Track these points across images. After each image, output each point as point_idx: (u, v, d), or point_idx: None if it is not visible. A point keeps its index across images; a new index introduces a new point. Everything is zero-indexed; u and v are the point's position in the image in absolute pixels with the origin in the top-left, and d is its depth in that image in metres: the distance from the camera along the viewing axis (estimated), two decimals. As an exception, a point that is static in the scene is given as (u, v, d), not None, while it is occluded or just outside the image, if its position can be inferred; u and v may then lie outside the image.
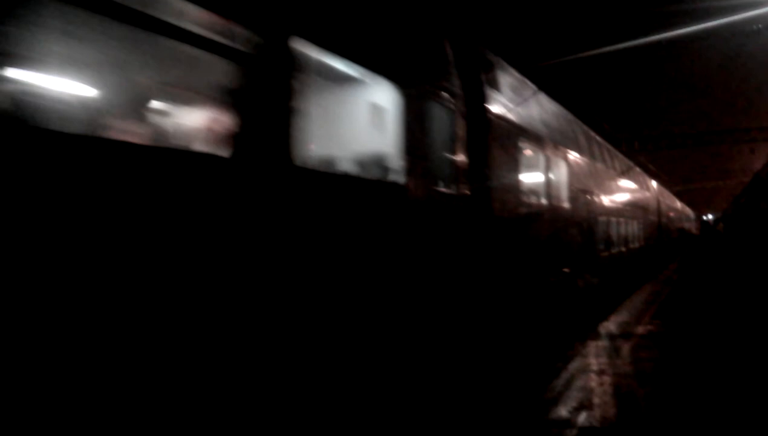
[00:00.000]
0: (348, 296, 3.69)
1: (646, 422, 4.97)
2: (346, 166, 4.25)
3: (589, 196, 10.00)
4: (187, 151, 3.15)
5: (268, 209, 3.09)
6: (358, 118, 4.93)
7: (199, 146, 3.31)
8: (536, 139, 7.49)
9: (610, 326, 9.39)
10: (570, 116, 10.80)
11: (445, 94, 5.20)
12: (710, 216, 64.39)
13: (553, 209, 8.00)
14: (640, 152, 33.19)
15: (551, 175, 8.05)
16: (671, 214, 33.79)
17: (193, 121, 3.68)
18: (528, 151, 7.23)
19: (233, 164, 2.91)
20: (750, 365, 6.57)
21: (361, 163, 4.30)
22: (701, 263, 22.86)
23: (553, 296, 7.58)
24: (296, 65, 3.35)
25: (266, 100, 3.15)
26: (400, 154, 4.40)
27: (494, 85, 6.33)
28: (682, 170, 49.81)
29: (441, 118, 5.10)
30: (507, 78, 6.97)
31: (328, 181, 3.68)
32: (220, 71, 3.04)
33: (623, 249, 13.51)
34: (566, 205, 8.63)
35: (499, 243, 5.95)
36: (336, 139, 4.59)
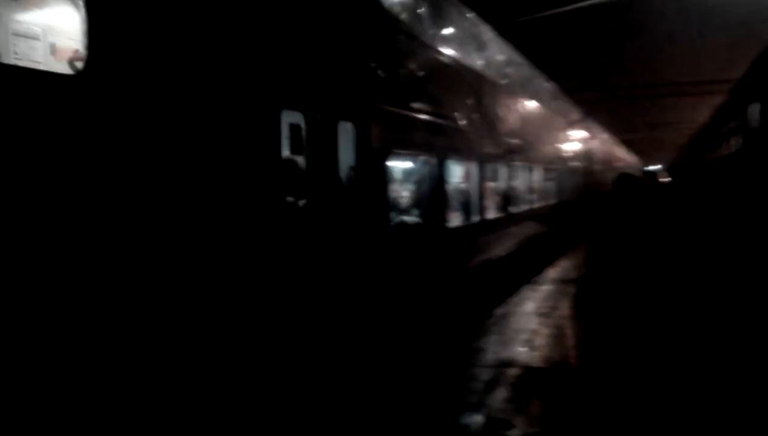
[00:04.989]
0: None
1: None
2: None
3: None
4: None
5: None
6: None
7: None
8: None
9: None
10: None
11: None
12: (658, 166, 66.21)
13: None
14: (595, 103, 33.84)
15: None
16: (618, 163, 34.98)
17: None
18: None
19: None
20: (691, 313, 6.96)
21: None
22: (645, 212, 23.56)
23: None
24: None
25: None
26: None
27: None
28: (634, 121, 51.07)
29: None
30: None
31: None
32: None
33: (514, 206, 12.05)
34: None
35: None
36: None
